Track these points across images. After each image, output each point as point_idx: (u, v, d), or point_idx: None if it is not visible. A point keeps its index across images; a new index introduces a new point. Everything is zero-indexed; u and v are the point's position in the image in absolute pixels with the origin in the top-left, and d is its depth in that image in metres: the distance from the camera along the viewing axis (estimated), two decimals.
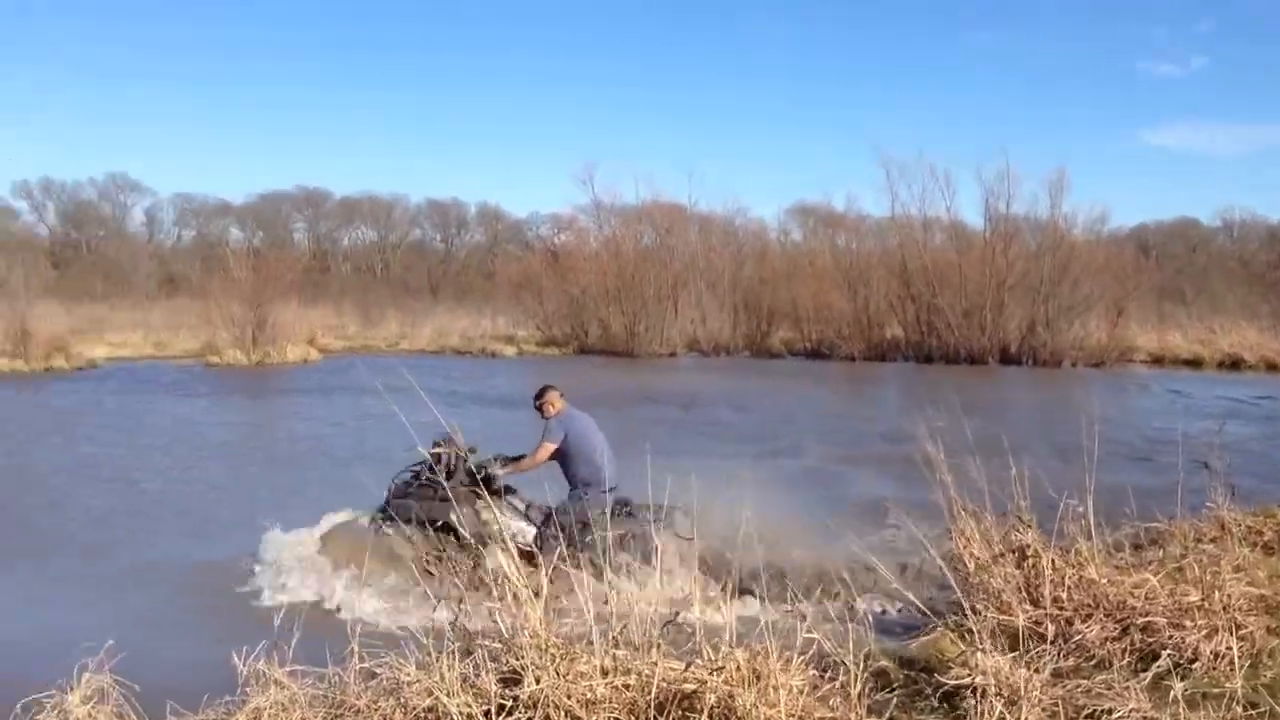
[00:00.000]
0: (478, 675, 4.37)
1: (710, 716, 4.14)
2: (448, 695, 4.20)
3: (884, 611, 7.07)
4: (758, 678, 4.27)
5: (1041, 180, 46.92)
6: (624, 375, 32.69)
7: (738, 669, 4.28)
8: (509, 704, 4.23)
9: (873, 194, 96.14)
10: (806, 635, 4.40)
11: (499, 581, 4.60)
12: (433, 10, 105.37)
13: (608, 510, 7.92)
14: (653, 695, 4.22)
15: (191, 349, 36.09)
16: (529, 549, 7.40)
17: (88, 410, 21.07)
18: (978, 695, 4.52)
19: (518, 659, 4.41)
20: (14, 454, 15.57)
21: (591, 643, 4.46)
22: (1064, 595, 5.53)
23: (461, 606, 4.56)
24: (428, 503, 8.10)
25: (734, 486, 10.81)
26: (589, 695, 4.23)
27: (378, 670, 4.41)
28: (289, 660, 4.41)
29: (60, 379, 28.10)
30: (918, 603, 5.76)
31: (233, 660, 4.38)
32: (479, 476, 8.27)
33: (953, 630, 5.44)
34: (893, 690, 4.83)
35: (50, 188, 73.16)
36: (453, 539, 8.07)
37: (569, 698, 4.20)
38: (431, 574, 7.69)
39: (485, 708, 4.22)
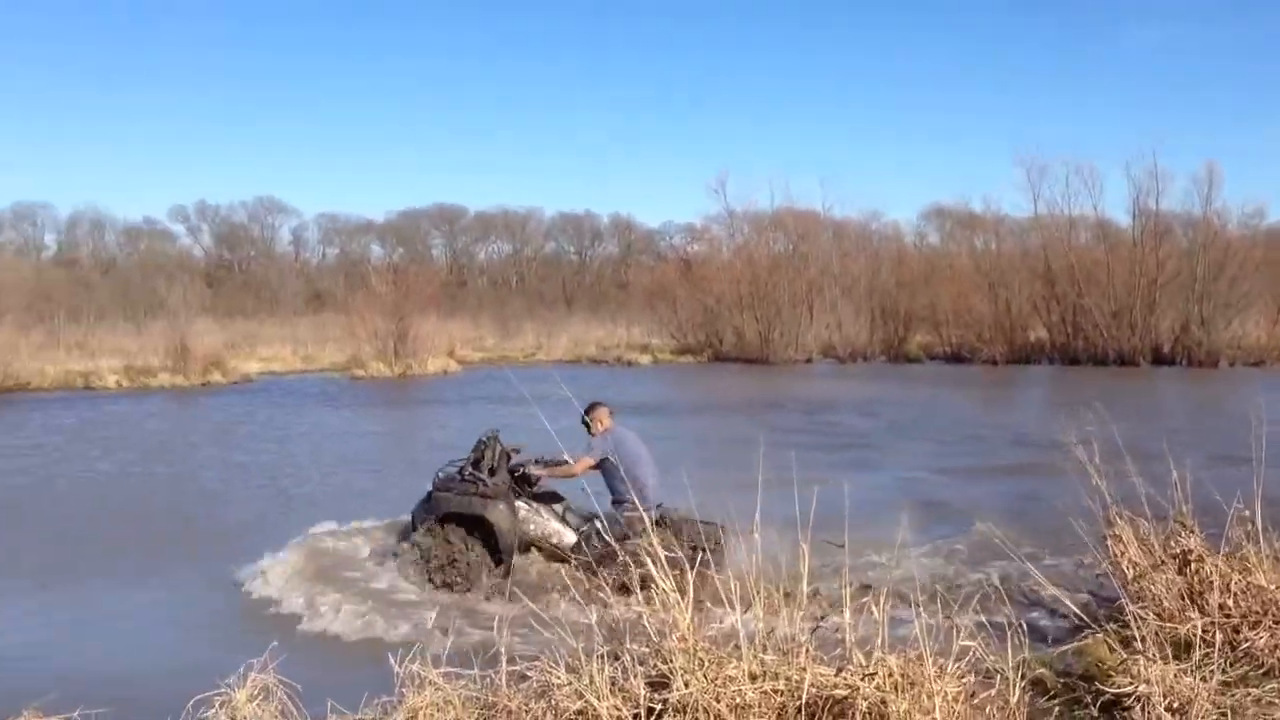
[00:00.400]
0: (626, 679, 4.39)
1: None
2: (597, 699, 4.23)
3: (1034, 619, 6.86)
4: (911, 684, 4.19)
5: (1193, 176, 45.21)
6: (758, 382, 32.54)
7: (890, 675, 4.21)
8: (658, 707, 4.24)
9: (1011, 195, 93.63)
10: (963, 643, 4.29)
11: (645, 585, 4.61)
12: (563, 28, 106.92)
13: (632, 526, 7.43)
14: (803, 700, 4.18)
15: (337, 362, 37.23)
16: (563, 551, 8.05)
17: (242, 421, 21.88)
18: (1142, 705, 4.36)
19: (666, 663, 4.41)
20: (176, 463, 16.26)
21: (739, 647, 4.43)
22: (1230, 602, 5.30)
23: (608, 610, 4.59)
24: (465, 497, 8.14)
25: (881, 493, 10.67)
26: (738, 700, 4.21)
27: (528, 673, 4.46)
28: (442, 661, 4.50)
29: (217, 392, 29.28)
30: (1075, 609, 5.58)
31: (388, 660, 4.49)
32: (516, 475, 8.41)
33: (1111, 638, 5.25)
34: (1051, 699, 4.68)
35: (205, 211, 76.74)
36: (479, 538, 8.12)
37: (718, 701, 4.18)
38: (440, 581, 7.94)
39: (635, 711, 4.23)
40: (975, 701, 4.22)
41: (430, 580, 7.96)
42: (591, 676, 4.31)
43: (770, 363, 40.25)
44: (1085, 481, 6.11)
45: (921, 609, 4.58)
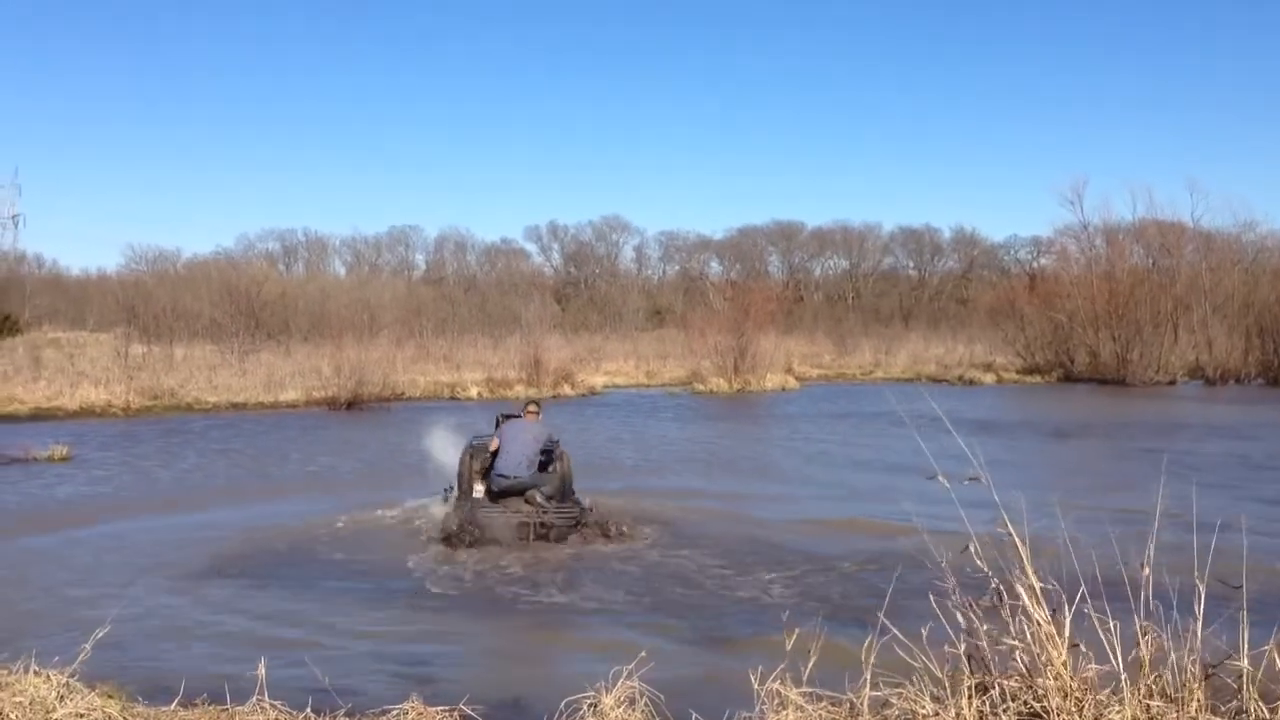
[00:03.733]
0: (994, 713, 4.19)
1: None
2: None
3: None
4: None
5: None
6: (1119, 404, 30.56)
7: None
8: None
9: None
10: None
11: (1017, 617, 4.38)
12: (905, 35, 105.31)
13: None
14: None
15: (678, 377, 38.14)
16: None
17: (594, 429, 22.75)
18: None
19: (1038, 700, 4.18)
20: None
21: (1119, 690, 4.14)
22: None
23: (977, 641, 4.38)
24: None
25: None
26: None
27: (891, 700, 4.35)
28: (803, 680, 4.46)
29: (567, 403, 30.67)
30: None
31: (749, 676, 4.50)
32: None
33: None
34: None
35: (556, 231, 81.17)
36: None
37: None
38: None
39: None
40: None
41: None
42: (959, 709, 4.14)
43: (1128, 384, 37.66)
44: None
45: None
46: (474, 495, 11.51)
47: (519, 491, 11.17)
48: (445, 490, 12.09)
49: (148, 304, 41.60)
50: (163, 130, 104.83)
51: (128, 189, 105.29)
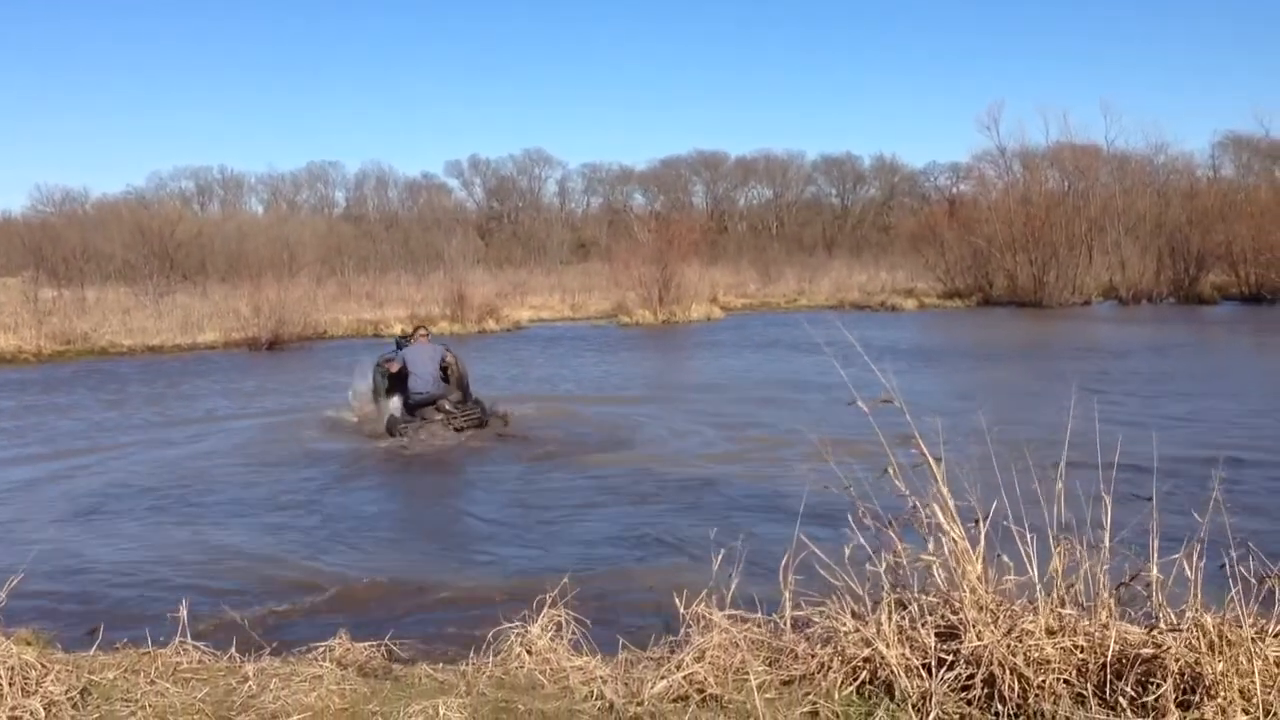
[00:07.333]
0: (914, 628, 4.27)
1: (1174, 685, 3.81)
2: (886, 646, 4.13)
3: None
4: (1229, 644, 3.88)
5: None
6: (1035, 326, 31.14)
7: (1204, 634, 3.91)
8: (949, 658, 4.11)
9: None
10: None
11: (935, 533, 4.45)
12: None
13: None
14: (1108, 659, 3.95)
15: (603, 309, 38.07)
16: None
17: (518, 362, 22.69)
18: None
19: (955, 614, 4.26)
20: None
21: (1033, 601, 4.23)
22: None
23: (896, 559, 4.46)
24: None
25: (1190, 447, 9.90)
26: (1035, 654, 4.02)
27: (814, 618, 4.41)
28: (727, 604, 4.50)
29: (492, 338, 30.50)
30: None
31: (673, 599, 4.54)
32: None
33: None
34: None
35: (477, 165, 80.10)
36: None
37: (1013, 655, 4.01)
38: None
39: (924, 661, 4.12)
40: None
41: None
42: (879, 624, 4.21)
43: (1045, 306, 38.41)
44: None
45: (1237, 565, 4.22)
46: (391, 410, 13.64)
47: (431, 402, 13.41)
48: (348, 396, 14.98)
49: (56, 246, 40.45)
50: (69, 66, 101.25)
51: (33, 127, 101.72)
